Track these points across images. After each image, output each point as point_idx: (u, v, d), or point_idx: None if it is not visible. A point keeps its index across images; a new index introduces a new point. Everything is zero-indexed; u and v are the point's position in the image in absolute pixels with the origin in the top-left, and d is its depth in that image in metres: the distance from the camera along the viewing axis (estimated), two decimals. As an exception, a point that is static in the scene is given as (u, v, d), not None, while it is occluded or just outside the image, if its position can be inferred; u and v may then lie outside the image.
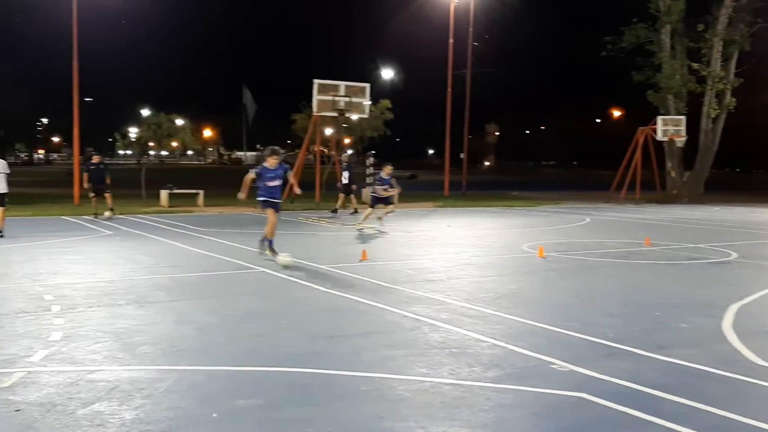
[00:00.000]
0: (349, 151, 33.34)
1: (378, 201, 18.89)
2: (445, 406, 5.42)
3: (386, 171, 19.02)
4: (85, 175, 21.70)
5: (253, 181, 12.87)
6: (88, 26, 28.71)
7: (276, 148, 13.21)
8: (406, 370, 6.31)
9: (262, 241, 13.22)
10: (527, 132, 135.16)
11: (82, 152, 29.87)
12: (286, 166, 13.43)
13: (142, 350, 6.83)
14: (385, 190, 18.83)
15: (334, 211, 24.52)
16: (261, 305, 9.19)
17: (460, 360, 6.65)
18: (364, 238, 16.89)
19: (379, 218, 19.07)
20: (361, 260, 12.86)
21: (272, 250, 12.88)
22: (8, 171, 16.92)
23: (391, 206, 19.17)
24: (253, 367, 6.33)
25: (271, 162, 12.92)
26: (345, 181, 24.63)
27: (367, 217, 18.92)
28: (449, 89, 37.93)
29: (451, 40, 37.88)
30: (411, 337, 7.53)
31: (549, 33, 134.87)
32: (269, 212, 12.97)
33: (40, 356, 6.53)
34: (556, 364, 6.53)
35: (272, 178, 12.92)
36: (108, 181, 21.56)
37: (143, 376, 6.03)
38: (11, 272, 11.22)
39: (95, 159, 21.97)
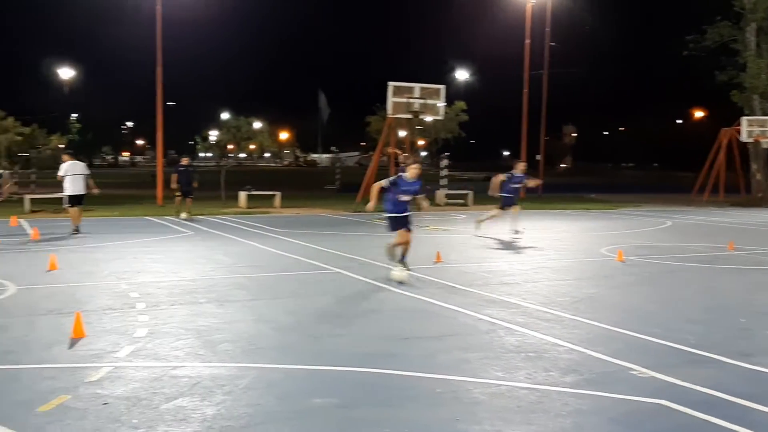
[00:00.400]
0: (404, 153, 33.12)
1: (509, 203, 17.66)
2: (522, 411, 5.37)
3: (520, 168, 17.82)
4: (174, 176, 22.39)
5: (383, 190, 11.19)
6: (171, 34, 29.60)
7: (418, 157, 11.56)
8: (481, 373, 6.28)
9: (401, 260, 11.26)
10: (605, 133, 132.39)
11: (165, 155, 30.84)
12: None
13: (223, 348, 7.01)
14: (518, 189, 17.64)
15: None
16: (337, 306, 9.29)
17: (537, 364, 6.58)
18: (438, 240, 16.86)
19: (517, 231, 17.42)
20: (435, 262, 12.85)
21: (401, 262, 11.23)
22: (88, 172, 17.85)
23: (517, 207, 17.99)
24: (330, 367, 6.41)
25: (412, 173, 11.10)
26: None
27: (491, 218, 17.81)
28: (525, 90, 37.53)
29: (527, 41, 37.47)
30: (486, 340, 7.49)
31: (629, 32, 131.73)
32: (400, 234, 11.14)
33: (126, 352, 6.77)
34: (636, 370, 6.39)
35: (406, 192, 11.07)
36: (195, 184, 22.21)
37: (224, 372, 6.19)
38: (98, 270, 11.67)
39: (184, 161, 22.71)
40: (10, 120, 28.59)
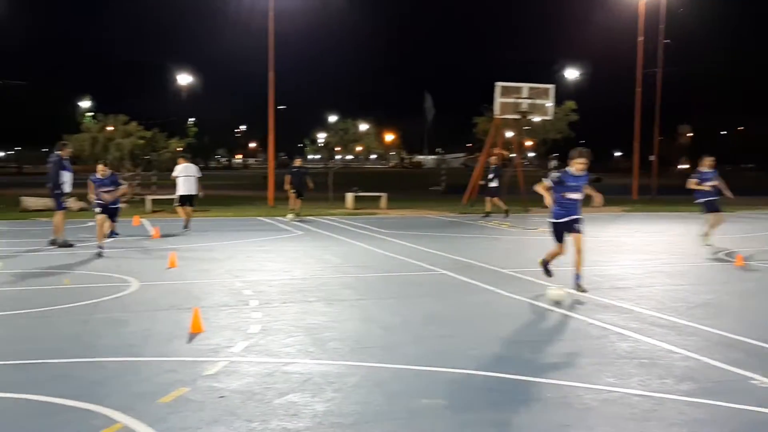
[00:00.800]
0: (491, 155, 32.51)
1: (712, 208, 15.65)
2: (635, 418, 5.22)
3: (707, 164, 15.74)
4: (287, 177, 23.02)
5: (549, 189, 10.03)
6: (282, 38, 30.42)
7: (584, 149, 10.07)
8: (593, 378, 6.14)
9: (576, 277, 10.14)
10: (723, 133, 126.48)
11: (276, 157, 31.70)
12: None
13: (332, 345, 7.15)
14: (711, 187, 15.50)
15: (486, 215, 23.77)
16: (443, 307, 9.30)
17: (651, 371, 6.37)
18: (546, 242, 16.55)
19: (706, 234, 15.74)
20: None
21: (546, 271, 10.49)
22: (200, 174, 18.94)
23: (720, 214, 15.79)
24: (437, 368, 6.42)
25: (577, 166, 9.84)
26: (494, 184, 23.83)
27: (711, 229, 15.74)
28: (638, 89, 36.32)
29: (640, 38, 36.27)
30: (598, 345, 7.32)
31: (747, 28, 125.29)
32: (562, 244, 10.02)
33: (240, 347, 7.02)
34: (757, 380, 6.09)
35: (575, 189, 9.85)
36: (310, 184, 22.77)
37: (333, 370, 6.31)
38: (214, 268, 12.14)
39: (297, 162, 23.32)
40: (133, 124, 30.12)
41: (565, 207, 9.90)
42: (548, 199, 9.97)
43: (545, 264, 10.44)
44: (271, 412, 5.24)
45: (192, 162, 19.67)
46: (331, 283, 10.78)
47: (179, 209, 18.87)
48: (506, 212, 23.40)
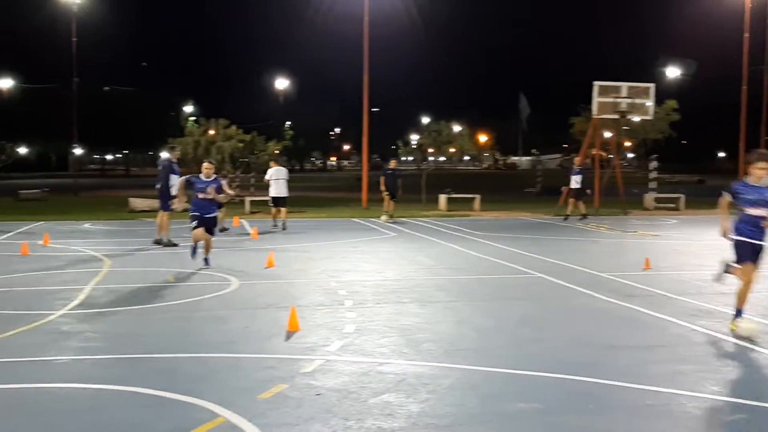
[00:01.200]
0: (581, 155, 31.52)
1: None
2: (740, 429, 5.01)
3: None
4: (381, 179, 23.22)
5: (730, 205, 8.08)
6: (375, 41, 30.67)
7: (764, 151, 8.18)
8: (696, 386, 5.92)
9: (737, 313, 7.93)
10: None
11: (369, 159, 32.01)
12: None
13: (426, 347, 7.17)
14: None
15: (566, 218, 23.12)
16: (538, 310, 9.16)
17: (757, 380, 6.09)
18: (646, 246, 16.09)
19: None
20: (644, 269, 12.27)
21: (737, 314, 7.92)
22: (288, 177, 19.88)
23: None
24: (531, 372, 6.33)
25: (757, 172, 7.73)
26: (576, 185, 23.17)
27: None
28: (744, 87, 34.77)
29: (746, 34, 34.69)
30: (701, 352, 7.06)
31: None
32: (748, 269, 7.76)
33: (336, 346, 7.13)
34: None
35: (754, 203, 7.71)
36: (398, 185, 22.91)
37: (427, 371, 6.33)
38: (310, 268, 12.37)
39: (392, 164, 23.48)
40: (233, 128, 31.04)
41: (749, 224, 7.77)
42: (724, 222, 7.98)
43: (742, 294, 7.87)
44: (367, 411, 5.31)
45: (286, 165, 20.50)
46: (424, 285, 10.80)
47: (273, 210, 19.67)
48: (584, 216, 22.88)
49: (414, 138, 40.11)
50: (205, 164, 12.72)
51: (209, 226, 12.31)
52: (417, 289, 10.45)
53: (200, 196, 12.20)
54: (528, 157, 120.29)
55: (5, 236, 17.35)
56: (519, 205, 30.30)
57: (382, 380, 6.04)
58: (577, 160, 24.78)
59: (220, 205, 13.25)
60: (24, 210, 26.22)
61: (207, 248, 12.36)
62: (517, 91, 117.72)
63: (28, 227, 19.81)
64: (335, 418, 5.15)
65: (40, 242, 15.70)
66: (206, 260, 12.34)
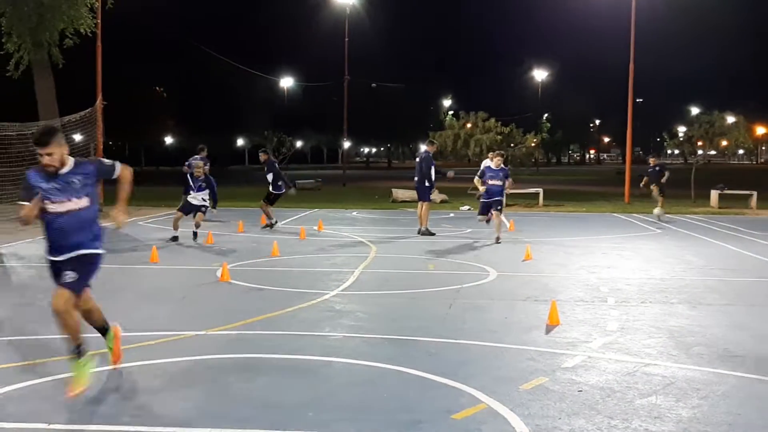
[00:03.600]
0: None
1: None
2: None
3: None
4: (645, 179, 22.09)
5: None
6: (644, 30, 29.25)
7: None
8: None
9: None
10: None
11: (632, 152, 30.64)
12: None
13: (696, 351, 6.75)
14: None
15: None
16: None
17: None
18: None
19: None
20: None
21: None
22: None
23: None
24: (824, 387, 5.71)
25: None
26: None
27: None
28: None
29: None
30: None
31: None
32: None
33: (598, 344, 6.95)
34: None
35: None
36: (662, 180, 21.58)
37: (698, 376, 5.96)
38: (569, 263, 12.16)
39: (651, 161, 22.32)
40: (492, 121, 31.35)
41: None
42: None
43: None
44: (633, 411, 5.13)
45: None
46: (693, 285, 10.15)
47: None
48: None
49: (681, 130, 37.69)
50: (494, 155, 15.22)
51: (496, 207, 14.71)
52: (686, 289, 9.84)
53: (490, 182, 14.61)
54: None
55: (286, 221, 19.08)
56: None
57: (648, 381, 5.80)
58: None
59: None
60: (301, 198, 28.65)
61: (497, 227, 14.77)
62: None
63: (304, 214, 21.66)
64: (599, 415, 5.05)
65: (315, 228, 17.08)
66: (497, 238, 14.62)
